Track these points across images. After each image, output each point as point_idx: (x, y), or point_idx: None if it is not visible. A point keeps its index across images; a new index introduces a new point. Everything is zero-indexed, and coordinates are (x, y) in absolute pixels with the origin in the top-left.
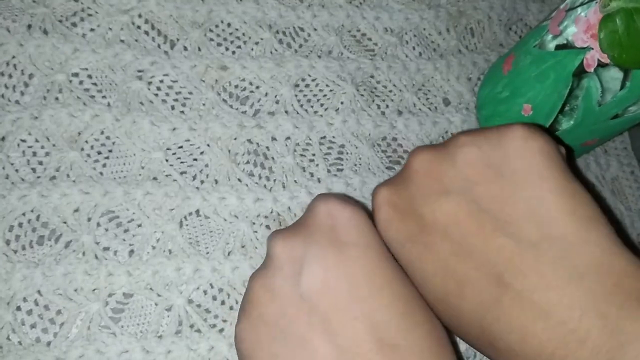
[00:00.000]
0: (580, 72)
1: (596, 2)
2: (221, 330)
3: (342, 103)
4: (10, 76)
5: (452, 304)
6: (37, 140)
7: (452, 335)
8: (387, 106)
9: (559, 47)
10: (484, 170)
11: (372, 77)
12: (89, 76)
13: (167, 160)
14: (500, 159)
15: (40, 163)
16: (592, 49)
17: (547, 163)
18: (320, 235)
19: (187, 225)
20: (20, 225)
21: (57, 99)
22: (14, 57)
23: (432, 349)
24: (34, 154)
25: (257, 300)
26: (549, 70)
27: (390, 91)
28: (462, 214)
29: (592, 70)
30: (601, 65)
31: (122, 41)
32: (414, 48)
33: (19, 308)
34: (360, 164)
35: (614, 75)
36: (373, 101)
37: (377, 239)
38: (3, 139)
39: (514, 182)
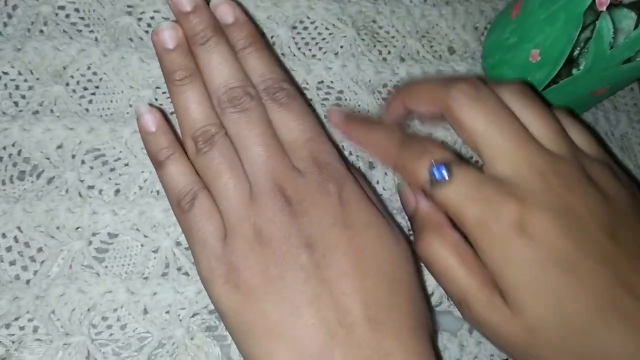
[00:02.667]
0: (592, 13)
1: None
2: None
3: (341, 47)
4: None
5: (587, 332)
6: (20, 73)
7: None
8: (389, 52)
9: None
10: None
11: (374, 21)
12: (76, 10)
13: (156, 99)
14: None
15: (23, 97)
16: None
17: None
18: (328, 216)
19: None
20: (0, 159)
21: (41, 31)
22: None
23: (411, 327)
24: (17, 87)
25: (264, 256)
26: (559, 11)
27: (393, 37)
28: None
29: (604, 9)
30: (614, 4)
31: None
32: None
33: None
34: (359, 111)
35: (627, 14)
36: (374, 46)
37: (376, 219)
38: None
39: None
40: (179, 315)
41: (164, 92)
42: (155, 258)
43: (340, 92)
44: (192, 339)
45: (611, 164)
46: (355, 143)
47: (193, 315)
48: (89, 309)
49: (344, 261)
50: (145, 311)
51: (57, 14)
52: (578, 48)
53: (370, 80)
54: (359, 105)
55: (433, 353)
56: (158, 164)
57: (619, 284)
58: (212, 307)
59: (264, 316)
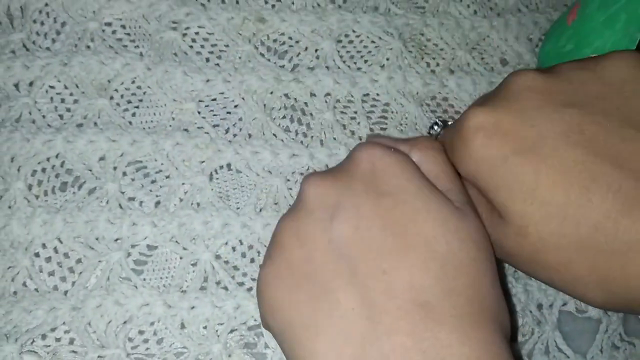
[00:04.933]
0: None
1: None
2: (249, 289)
3: (387, 59)
4: (42, 23)
5: (571, 215)
6: (65, 87)
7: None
8: (438, 64)
9: None
10: (602, 88)
11: (421, 34)
12: (122, 26)
13: (199, 112)
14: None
15: (68, 110)
16: None
17: None
18: (358, 182)
19: (217, 178)
20: (43, 170)
21: (88, 47)
22: (46, 4)
23: (475, 318)
24: (62, 100)
25: (284, 244)
26: (620, 12)
27: (442, 49)
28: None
29: None
30: None
31: None
32: (468, 6)
33: (37, 254)
34: (406, 124)
35: None
36: (422, 58)
37: (422, 190)
38: (31, 84)
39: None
40: (216, 330)
41: (206, 105)
42: (193, 271)
43: (387, 104)
44: (229, 355)
45: None
46: None
47: (231, 331)
48: (125, 322)
49: (381, 235)
50: (183, 325)
51: (104, 30)
52: None
53: (417, 93)
54: (406, 118)
55: (509, 356)
56: None
57: (601, 159)
58: (251, 323)
59: (298, 309)
